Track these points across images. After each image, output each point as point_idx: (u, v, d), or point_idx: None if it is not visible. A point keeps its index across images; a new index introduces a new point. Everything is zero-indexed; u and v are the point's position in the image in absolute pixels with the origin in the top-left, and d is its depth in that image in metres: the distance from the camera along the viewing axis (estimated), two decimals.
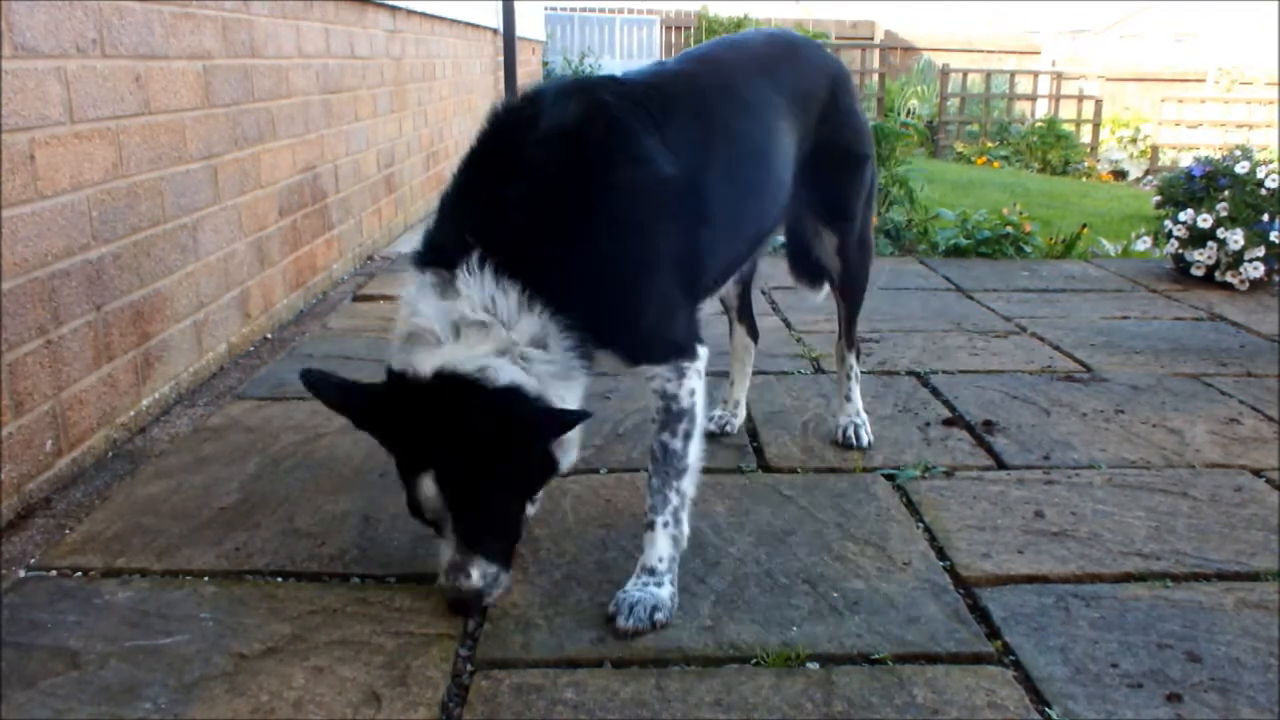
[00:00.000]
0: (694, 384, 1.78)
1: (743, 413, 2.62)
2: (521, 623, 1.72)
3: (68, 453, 2.27)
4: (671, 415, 1.77)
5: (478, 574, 1.68)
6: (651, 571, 1.75)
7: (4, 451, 2.04)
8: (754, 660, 1.62)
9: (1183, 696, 1.55)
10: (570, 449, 1.76)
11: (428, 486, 1.63)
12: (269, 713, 1.48)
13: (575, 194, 1.66)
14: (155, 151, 2.65)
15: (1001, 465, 2.41)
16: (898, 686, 1.56)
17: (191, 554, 1.93)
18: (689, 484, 1.80)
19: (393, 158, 5.14)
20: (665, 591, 1.74)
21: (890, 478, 2.33)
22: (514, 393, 1.60)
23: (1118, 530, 2.08)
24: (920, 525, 2.10)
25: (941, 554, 1.98)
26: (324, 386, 1.72)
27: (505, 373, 1.61)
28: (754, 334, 2.62)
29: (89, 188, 2.34)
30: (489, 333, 1.62)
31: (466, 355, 1.61)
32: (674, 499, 1.77)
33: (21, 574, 1.86)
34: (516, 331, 1.63)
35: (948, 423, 2.68)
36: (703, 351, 1.81)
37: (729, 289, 2.52)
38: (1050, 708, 1.52)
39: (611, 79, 1.90)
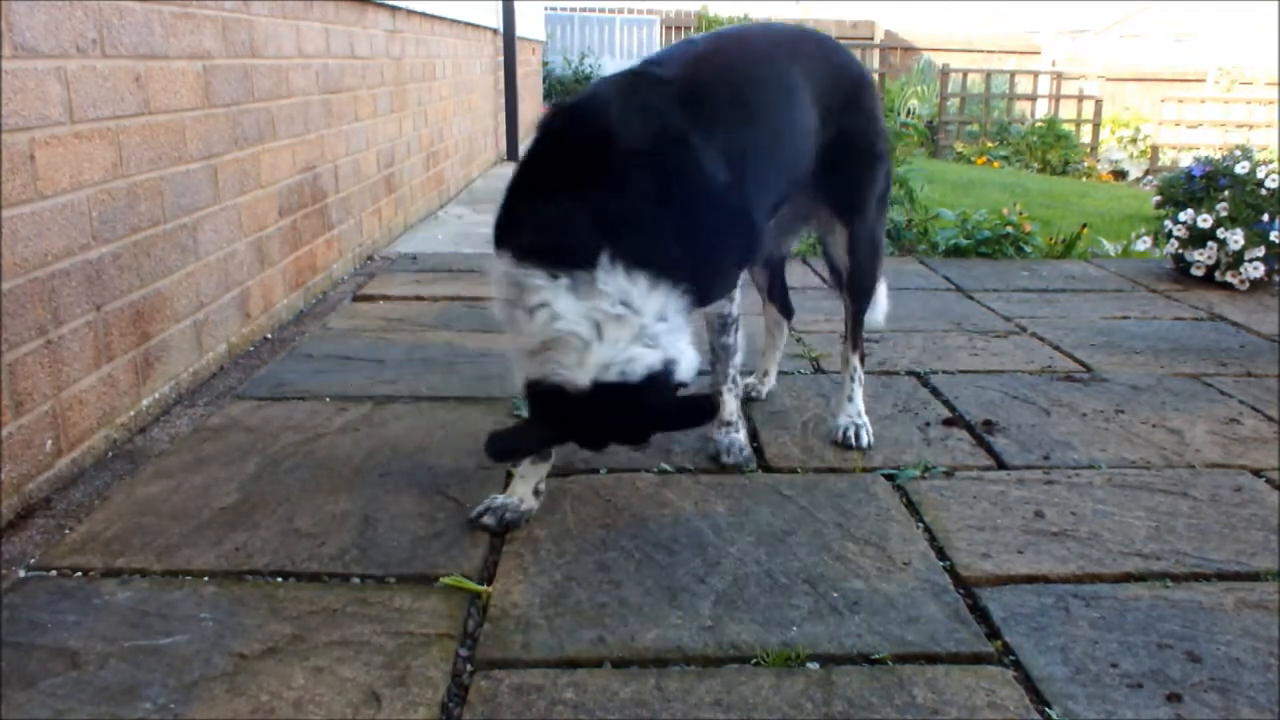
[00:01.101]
0: (736, 299, 2.32)
1: (772, 381, 2.86)
2: (521, 623, 1.72)
3: (68, 453, 2.27)
4: (727, 324, 2.33)
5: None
6: (729, 423, 2.40)
7: (4, 451, 2.04)
8: (754, 660, 1.62)
9: (1183, 696, 1.55)
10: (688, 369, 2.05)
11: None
12: (269, 713, 1.48)
13: (665, 203, 1.96)
14: (155, 151, 2.65)
15: (1001, 465, 2.41)
16: (898, 686, 1.56)
17: (191, 554, 1.93)
18: (737, 362, 2.39)
19: (393, 158, 5.14)
20: (741, 435, 2.41)
21: (890, 478, 2.33)
22: (653, 381, 1.91)
23: (1118, 530, 2.08)
24: (920, 525, 2.10)
25: (941, 554, 1.98)
26: (517, 448, 2.06)
27: (641, 364, 1.90)
28: (786, 312, 2.87)
29: (89, 188, 2.34)
30: (625, 323, 1.89)
31: (611, 356, 1.88)
32: (731, 371, 2.39)
33: (21, 574, 1.86)
34: (646, 315, 1.91)
35: (948, 423, 2.68)
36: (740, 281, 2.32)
37: (760, 274, 2.81)
38: (1050, 708, 1.52)
39: (656, 81, 2.10)
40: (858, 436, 2.51)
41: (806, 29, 2.69)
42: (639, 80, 2.11)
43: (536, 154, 2.01)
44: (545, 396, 1.92)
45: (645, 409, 1.95)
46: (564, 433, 2.00)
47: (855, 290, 2.56)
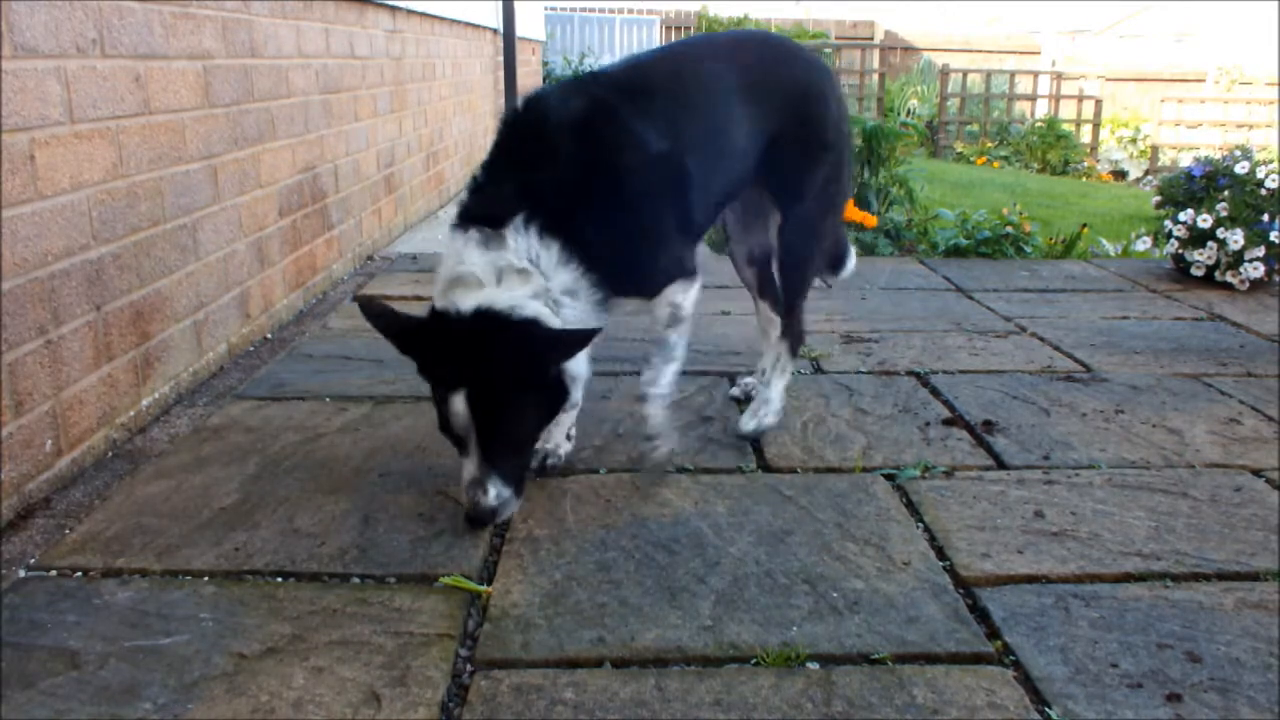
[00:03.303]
0: (694, 295, 2.23)
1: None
2: (521, 623, 1.72)
3: (68, 453, 2.27)
4: (676, 319, 2.23)
5: (494, 493, 1.94)
6: (649, 437, 2.27)
7: (4, 451, 2.04)
8: (754, 660, 1.62)
9: (1183, 696, 1.55)
10: (578, 385, 2.06)
11: (458, 404, 1.88)
12: (269, 713, 1.48)
13: (594, 173, 2.02)
14: (155, 151, 2.65)
15: (1001, 465, 2.41)
16: (898, 686, 1.56)
17: (191, 554, 1.93)
18: (672, 371, 2.25)
19: (393, 158, 5.13)
20: (668, 447, 2.28)
21: (890, 477, 2.33)
22: (533, 322, 1.90)
23: (1118, 530, 2.08)
24: (920, 525, 2.10)
25: (941, 554, 1.98)
26: (377, 314, 2.00)
27: (531, 308, 1.91)
28: (778, 309, 2.62)
29: (89, 188, 2.34)
30: (529, 279, 1.93)
31: (506, 296, 1.90)
32: (661, 378, 2.24)
33: (21, 574, 1.86)
34: (554, 282, 1.95)
35: (948, 423, 2.68)
36: (699, 277, 2.24)
37: (748, 272, 2.71)
38: (1050, 708, 1.52)
39: (596, 75, 2.28)
40: (759, 426, 2.52)
41: (754, 33, 2.92)
42: (581, 78, 2.30)
43: (491, 149, 2.11)
44: (430, 314, 1.95)
45: (512, 342, 1.88)
46: (421, 347, 1.97)
47: (783, 270, 2.52)
